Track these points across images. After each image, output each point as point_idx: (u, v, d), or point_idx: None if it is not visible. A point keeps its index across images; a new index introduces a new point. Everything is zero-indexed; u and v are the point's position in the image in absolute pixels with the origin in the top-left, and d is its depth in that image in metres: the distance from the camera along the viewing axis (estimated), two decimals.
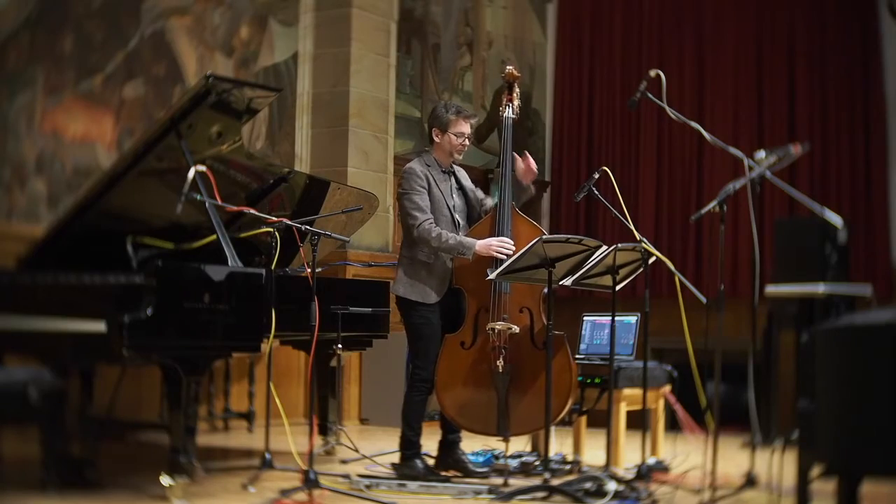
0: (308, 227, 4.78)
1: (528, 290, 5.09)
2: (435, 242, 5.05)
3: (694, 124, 5.07)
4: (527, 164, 5.18)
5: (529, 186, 5.26)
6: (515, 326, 5.05)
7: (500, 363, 5.02)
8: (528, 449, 5.74)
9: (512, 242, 5.01)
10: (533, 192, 5.32)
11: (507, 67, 5.42)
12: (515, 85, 5.37)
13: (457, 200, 5.26)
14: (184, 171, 4.47)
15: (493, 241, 5.03)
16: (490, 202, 5.34)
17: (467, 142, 5.25)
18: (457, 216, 5.21)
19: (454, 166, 5.30)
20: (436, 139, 5.24)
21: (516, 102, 5.34)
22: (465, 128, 5.22)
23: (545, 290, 5.06)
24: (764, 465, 4.56)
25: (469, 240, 5.07)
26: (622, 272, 4.99)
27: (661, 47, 9.20)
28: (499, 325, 5.04)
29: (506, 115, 5.31)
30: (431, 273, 5.14)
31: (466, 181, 5.39)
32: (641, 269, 5.03)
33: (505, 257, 4.96)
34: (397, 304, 5.28)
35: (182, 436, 4.41)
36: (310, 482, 4.43)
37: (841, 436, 2.96)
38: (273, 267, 4.81)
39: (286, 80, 7.96)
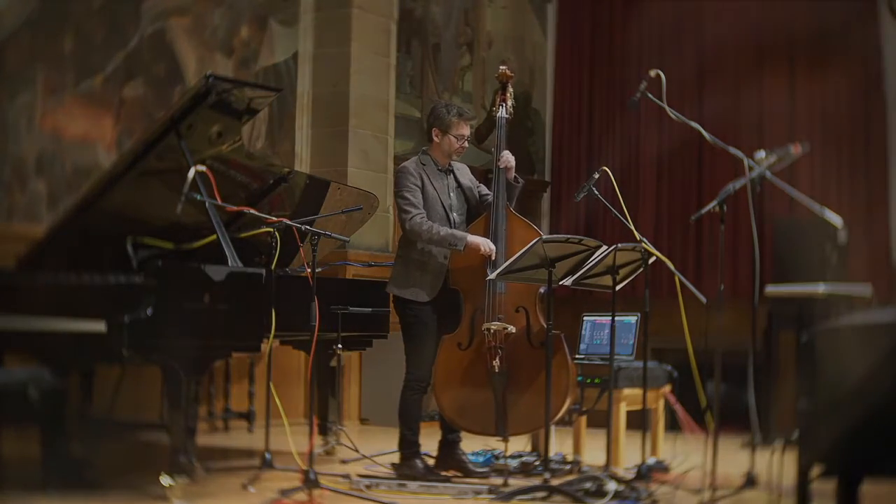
0: (308, 227, 4.78)
1: (524, 290, 5.10)
2: (426, 235, 5.06)
3: (694, 124, 5.08)
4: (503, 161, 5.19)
5: (517, 180, 5.25)
6: (511, 326, 5.05)
7: (496, 363, 5.02)
8: (528, 449, 5.74)
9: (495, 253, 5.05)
10: (521, 183, 5.31)
11: (501, 67, 5.45)
12: (509, 85, 5.39)
13: (454, 199, 5.27)
14: (184, 171, 4.47)
15: (486, 242, 5.04)
16: (492, 197, 5.34)
17: (467, 144, 5.27)
18: (453, 215, 5.22)
19: (452, 164, 5.32)
20: (435, 139, 5.25)
21: (510, 102, 5.37)
22: (466, 130, 5.25)
23: (541, 289, 5.07)
24: (764, 465, 4.56)
25: (460, 232, 5.10)
26: (622, 272, 4.99)
27: (662, 47, 9.19)
28: (494, 326, 5.04)
29: (499, 114, 5.33)
30: (425, 272, 5.15)
31: (465, 178, 5.39)
32: (641, 269, 5.03)
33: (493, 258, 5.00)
34: (392, 303, 5.30)
35: (182, 436, 4.41)
36: (310, 482, 4.44)
37: (841, 436, 2.96)
38: (273, 267, 4.81)
39: (286, 80, 7.96)
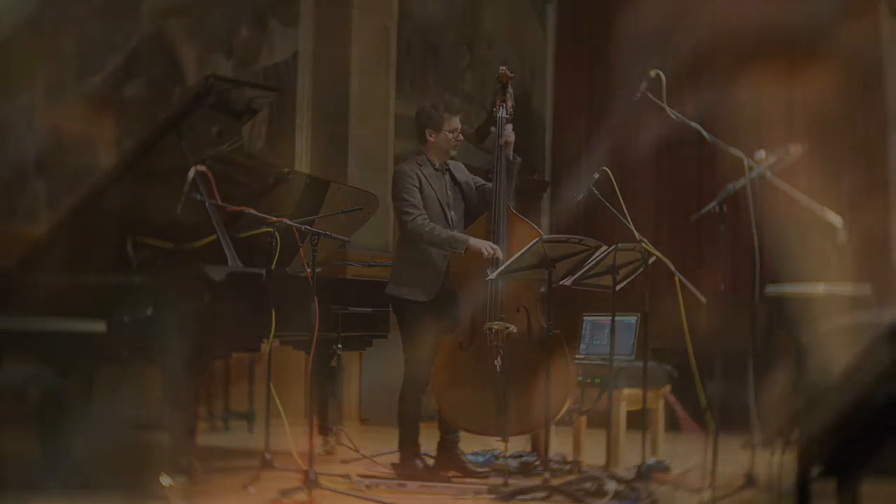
0: (308, 227, 4.78)
1: (524, 290, 5.10)
2: (428, 236, 5.08)
3: (694, 124, 5.08)
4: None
5: (514, 157, 5.25)
6: (513, 326, 5.05)
7: (497, 363, 5.02)
8: (528, 449, 5.74)
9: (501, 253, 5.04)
10: (518, 160, 5.31)
11: (500, 68, 5.47)
12: (508, 86, 5.40)
13: (451, 197, 5.29)
14: (184, 171, 4.47)
15: (488, 244, 5.04)
16: (491, 186, 5.34)
17: (461, 136, 5.30)
18: (451, 213, 5.23)
19: (449, 163, 5.33)
20: (429, 139, 5.28)
21: (509, 103, 5.38)
22: (457, 123, 5.31)
23: (542, 288, 5.07)
24: (764, 465, 4.56)
25: (461, 235, 5.10)
26: (622, 272, 5.00)
27: (661, 47, 9.18)
28: (496, 325, 5.04)
29: (499, 115, 5.35)
30: (423, 272, 5.16)
31: (462, 175, 5.40)
32: (641, 269, 5.03)
33: (500, 257, 4.99)
34: (391, 303, 5.30)
35: (182, 436, 4.41)
36: (310, 482, 4.44)
37: (839, 436, 2.96)
38: (273, 267, 4.81)
39: (286, 80, 7.96)
